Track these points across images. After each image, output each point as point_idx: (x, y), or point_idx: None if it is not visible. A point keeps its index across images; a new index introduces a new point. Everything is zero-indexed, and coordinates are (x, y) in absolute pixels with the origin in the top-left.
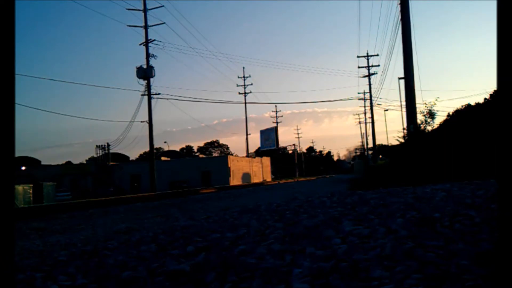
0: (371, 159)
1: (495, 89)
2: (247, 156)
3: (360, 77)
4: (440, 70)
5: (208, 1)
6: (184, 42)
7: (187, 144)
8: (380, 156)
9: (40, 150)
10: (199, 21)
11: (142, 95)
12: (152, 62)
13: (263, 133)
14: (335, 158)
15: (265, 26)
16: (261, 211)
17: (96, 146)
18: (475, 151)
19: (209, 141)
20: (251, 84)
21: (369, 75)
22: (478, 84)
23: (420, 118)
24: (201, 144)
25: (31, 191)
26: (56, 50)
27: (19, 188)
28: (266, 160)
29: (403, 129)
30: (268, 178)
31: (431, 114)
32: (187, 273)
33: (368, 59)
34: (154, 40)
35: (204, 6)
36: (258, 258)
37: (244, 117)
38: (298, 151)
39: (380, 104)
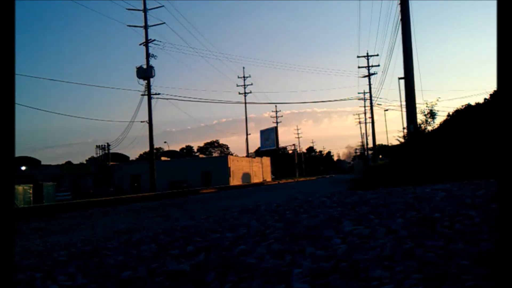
0: (371, 159)
1: (495, 89)
2: (247, 156)
3: (360, 77)
4: (440, 70)
5: (208, 1)
6: (184, 42)
7: (187, 144)
8: (380, 156)
9: (40, 150)
10: (199, 21)
11: (142, 95)
12: (152, 62)
13: (263, 133)
14: (335, 158)
15: (265, 26)
16: (261, 211)
17: (96, 146)
18: (475, 151)
19: (209, 141)
20: (251, 84)
21: (369, 75)
22: (478, 84)
23: (420, 118)
24: (201, 144)
25: (31, 191)
26: (56, 50)
27: (19, 188)
28: (266, 160)
29: (403, 129)
30: (268, 178)
31: (432, 114)
32: (187, 273)
33: (368, 59)
34: (154, 40)
35: (204, 6)
36: (258, 258)
37: (244, 117)
38: (298, 151)
39: (380, 104)
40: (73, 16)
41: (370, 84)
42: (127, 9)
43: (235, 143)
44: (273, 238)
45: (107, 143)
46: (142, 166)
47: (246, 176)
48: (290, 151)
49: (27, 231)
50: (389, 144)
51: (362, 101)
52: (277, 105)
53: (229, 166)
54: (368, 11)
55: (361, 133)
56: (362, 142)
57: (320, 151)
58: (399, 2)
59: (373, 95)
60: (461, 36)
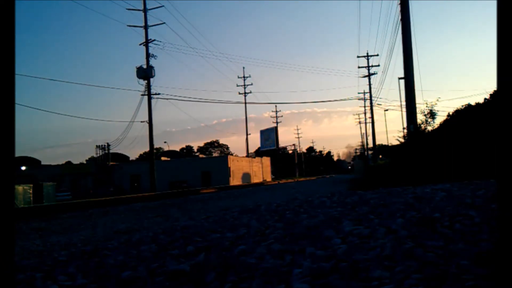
0: (371, 159)
1: (495, 89)
2: (247, 156)
3: (360, 77)
4: (440, 70)
5: (208, 1)
6: (184, 42)
7: (187, 144)
8: (380, 156)
9: (40, 150)
10: (199, 21)
11: (142, 95)
12: (152, 62)
13: (263, 133)
14: (335, 158)
15: (265, 26)
16: (261, 211)
17: (96, 146)
18: (475, 151)
19: (209, 141)
20: (251, 84)
21: (369, 75)
22: (478, 84)
23: (420, 118)
24: (201, 144)
25: (31, 191)
26: (56, 50)
27: (19, 188)
28: (266, 160)
29: (403, 129)
30: (268, 178)
31: (432, 114)
32: (187, 273)
33: (368, 59)
34: (154, 40)
35: (204, 6)
36: (258, 258)
37: (244, 117)
38: (298, 151)
39: (380, 104)
40: (73, 16)
41: (370, 84)
42: (127, 9)
43: (235, 143)
44: (273, 238)
45: (107, 143)
46: (142, 166)
47: (246, 176)
48: (290, 151)
49: (27, 231)
50: (389, 144)
51: (362, 101)
52: (277, 105)
53: (229, 166)
54: (368, 11)
55: (361, 133)
56: (362, 142)
57: (320, 151)
58: (399, 2)
59: (373, 95)
60: (461, 36)
